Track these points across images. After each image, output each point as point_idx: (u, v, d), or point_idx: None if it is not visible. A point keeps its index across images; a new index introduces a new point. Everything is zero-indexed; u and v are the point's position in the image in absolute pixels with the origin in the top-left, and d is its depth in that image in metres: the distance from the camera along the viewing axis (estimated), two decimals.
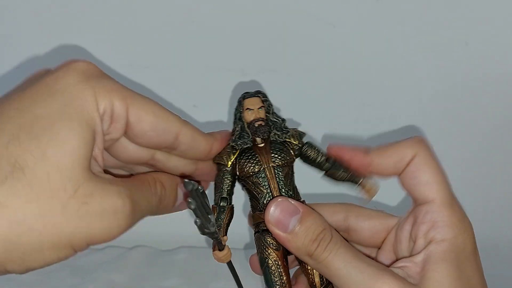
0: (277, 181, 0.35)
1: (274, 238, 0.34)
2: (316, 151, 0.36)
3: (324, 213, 0.35)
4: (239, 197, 0.36)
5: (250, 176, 0.35)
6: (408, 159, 0.34)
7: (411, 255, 0.33)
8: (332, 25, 0.61)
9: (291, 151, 0.36)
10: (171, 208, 0.34)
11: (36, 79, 0.28)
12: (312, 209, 0.33)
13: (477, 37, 0.60)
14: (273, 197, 0.34)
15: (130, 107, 0.28)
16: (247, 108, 0.36)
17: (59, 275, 0.59)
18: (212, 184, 0.37)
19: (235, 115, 0.37)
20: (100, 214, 0.26)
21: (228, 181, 0.35)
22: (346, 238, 0.36)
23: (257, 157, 0.35)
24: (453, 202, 0.33)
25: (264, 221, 0.33)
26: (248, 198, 0.36)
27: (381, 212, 0.37)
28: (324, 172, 0.36)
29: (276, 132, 0.36)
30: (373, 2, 0.59)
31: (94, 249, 0.63)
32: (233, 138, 0.36)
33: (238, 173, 0.35)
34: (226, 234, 0.34)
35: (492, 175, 0.66)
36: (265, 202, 0.34)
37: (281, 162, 0.35)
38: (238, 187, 0.36)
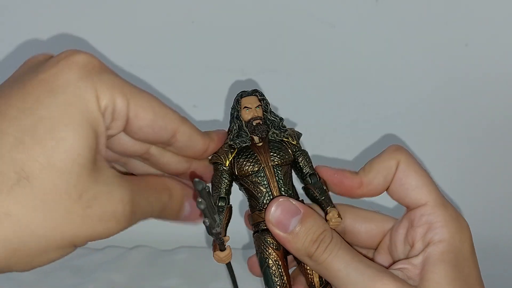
0: (276, 180, 0.34)
1: (274, 238, 0.33)
2: (306, 162, 0.36)
3: (320, 214, 0.35)
4: (236, 197, 0.36)
5: (249, 175, 0.34)
6: (393, 169, 0.34)
7: (410, 257, 0.33)
8: (332, 25, 0.61)
9: (289, 150, 0.36)
10: (174, 218, 0.34)
11: (35, 68, 0.27)
12: (313, 209, 0.33)
13: (477, 38, 0.60)
14: (273, 196, 0.34)
15: (130, 103, 0.28)
16: (245, 107, 0.35)
17: (59, 275, 0.59)
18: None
19: (232, 114, 0.36)
20: (101, 217, 0.26)
21: (226, 181, 0.35)
22: None
23: (256, 156, 0.35)
24: (445, 203, 0.33)
25: (264, 220, 0.33)
26: (245, 197, 0.36)
27: (377, 214, 0.37)
28: (303, 185, 0.36)
29: (274, 131, 0.36)
30: (373, 2, 0.59)
31: (94, 249, 0.63)
32: (231, 137, 0.35)
33: (236, 173, 0.35)
34: (225, 234, 0.34)
35: (492, 175, 0.66)
36: (265, 201, 0.34)
37: (280, 161, 0.35)
38: (234, 187, 0.36)
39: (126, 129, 0.29)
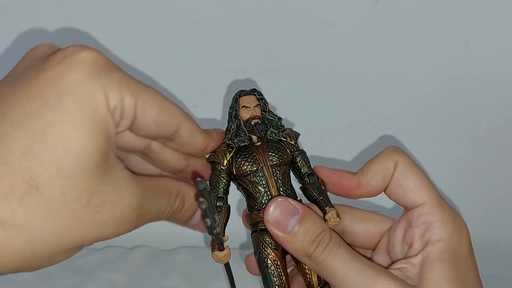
0: (275, 180, 0.34)
1: (273, 238, 0.33)
2: (304, 162, 0.36)
3: (319, 215, 0.35)
4: (234, 196, 0.36)
5: (247, 175, 0.34)
6: (391, 170, 0.34)
7: (408, 257, 0.33)
8: (332, 25, 0.61)
9: (288, 150, 0.35)
10: (182, 224, 0.34)
11: (39, 63, 0.26)
12: (312, 210, 0.33)
13: (477, 38, 0.60)
14: (271, 196, 0.34)
15: (137, 101, 0.27)
16: (243, 106, 0.35)
17: (59, 275, 0.59)
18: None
19: (230, 113, 0.36)
20: (108, 221, 0.26)
21: (224, 180, 0.35)
22: None
23: (254, 155, 0.35)
24: (443, 203, 0.34)
25: (262, 220, 0.33)
26: (243, 197, 0.36)
27: (375, 214, 0.37)
28: (301, 185, 0.36)
29: (273, 130, 0.35)
30: (373, 2, 0.59)
31: (94, 249, 0.63)
32: (229, 136, 0.35)
33: (234, 172, 0.35)
34: (224, 234, 0.34)
35: (492, 175, 0.66)
36: (263, 201, 0.34)
37: (279, 161, 0.35)
38: (231, 186, 0.36)
39: (131, 126, 0.29)
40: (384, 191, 0.35)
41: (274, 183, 0.34)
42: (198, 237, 0.65)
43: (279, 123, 0.36)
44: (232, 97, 0.37)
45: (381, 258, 0.36)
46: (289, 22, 0.60)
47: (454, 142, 0.65)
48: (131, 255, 0.62)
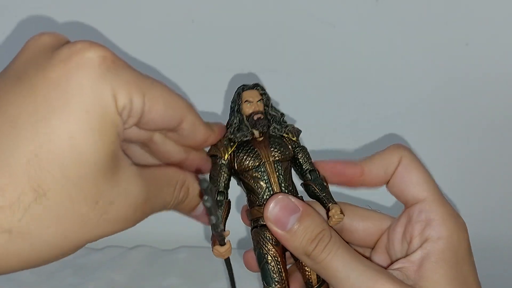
0: (277, 176, 0.34)
1: None
2: (306, 158, 0.36)
3: (319, 212, 0.35)
4: (234, 192, 0.36)
5: (249, 170, 0.34)
6: (396, 163, 0.35)
7: (407, 255, 0.33)
8: (332, 25, 0.61)
9: (290, 146, 0.35)
10: (185, 213, 0.34)
11: (43, 58, 0.25)
12: (313, 208, 0.33)
13: (477, 38, 0.60)
14: (273, 192, 0.34)
15: (145, 98, 0.27)
16: (246, 101, 0.35)
17: (59, 274, 0.59)
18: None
19: (232, 107, 0.36)
20: (115, 220, 0.26)
21: (225, 175, 0.35)
22: None
23: (256, 151, 0.34)
24: (444, 200, 0.34)
25: (263, 216, 0.33)
26: (242, 194, 0.36)
27: (375, 213, 0.37)
28: (303, 181, 0.36)
29: (275, 125, 0.35)
30: (373, 2, 0.59)
31: (95, 249, 0.63)
32: (231, 130, 0.35)
33: (236, 167, 0.34)
34: (225, 229, 0.34)
35: (492, 175, 0.66)
36: (265, 196, 0.34)
37: (281, 156, 0.34)
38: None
39: (137, 122, 0.28)
40: (386, 184, 0.35)
41: (276, 179, 0.34)
42: (198, 237, 0.65)
43: (281, 119, 0.36)
44: (234, 91, 0.36)
45: (380, 257, 0.36)
46: (289, 22, 0.60)
47: (454, 142, 0.65)
48: (131, 254, 0.63)
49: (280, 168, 0.34)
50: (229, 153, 0.35)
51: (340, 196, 0.36)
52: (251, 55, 0.62)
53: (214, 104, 0.59)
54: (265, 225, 0.34)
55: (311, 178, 0.35)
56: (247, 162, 0.34)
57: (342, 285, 0.31)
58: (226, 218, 0.34)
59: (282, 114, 0.36)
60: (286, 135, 0.36)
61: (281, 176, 0.34)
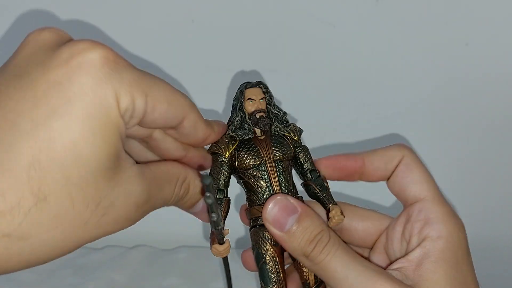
0: (277, 175, 0.34)
1: None
2: (307, 158, 0.35)
3: (318, 212, 0.35)
4: (233, 191, 0.36)
5: (249, 168, 0.34)
6: (397, 161, 0.35)
7: (406, 254, 0.33)
8: (332, 25, 0.60)
9: (291, 146, 0.35)
10: (185, 209, 0.34)
11: (43, 57, 0.25)
12: (311, 209, 0.33)
13: (477, 38, 0.60)
14: (273, 191, 0.34)
15: (147, 99, 0.27)
16: (249, 98, 0.35)
17: (59, 274, 0.59)
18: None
19: (234, 104, 0.36)
20: (115, 220, 0.26)
21: (226, 173, 0.34)
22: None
23: (257, 149, 0.34)
24: (443, 200, 0.34)
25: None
26: (241, 193, 0.36)
27: (374, 212, 0.37)
28: (303, 181, 0.36)
29: (277, 125, 0.35)
30: (373, 2, 0.59)
31: (95, 249, 0.63)
32: (233, 128, 0.35)
33: (236, 165, 0.34)
34: (224, 228, 0.33)
35: (492, 175, 0.66)
36: (265, 196, 0.34)
37: (282, 156, 0.34)
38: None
39: (139, 122, 0.28)
40: (387, 182, 0.35)
41: (276, 178, 0.34)
42: (198, 237, 0.65)
43: (284, 118, 0.36)
44: (237, 89, 0.36)
45: (379, 257, 0.36)
46: (289, 22, 0.60)
47: (454, 142, 0.65)
48: (131, 254, 0.63)
49: (281, 167, 0.34)
50: (230, 151, 0.34)
51: (340, 196, 0.36)
52: (251, 55, 0.62)
53: (215, 103, 0.59)
54: (264, 225, 0.33)
55: (312, 178, 0.35)
56: (248, 160, 0.34)
57: (341, 286, 0.31)
58: (225, 217, 0.34)
59: (285, 113, 0.36)
60: (288, 134, 0.35)
61: (281, 176, 0.34)
